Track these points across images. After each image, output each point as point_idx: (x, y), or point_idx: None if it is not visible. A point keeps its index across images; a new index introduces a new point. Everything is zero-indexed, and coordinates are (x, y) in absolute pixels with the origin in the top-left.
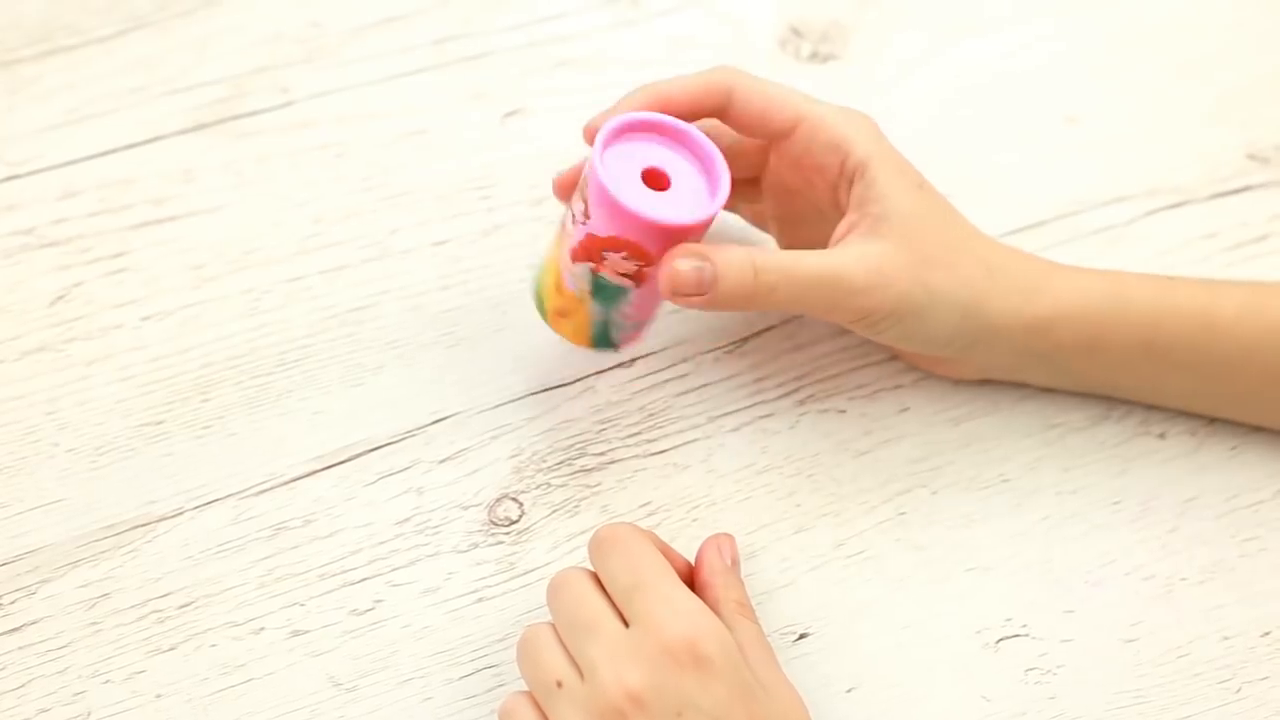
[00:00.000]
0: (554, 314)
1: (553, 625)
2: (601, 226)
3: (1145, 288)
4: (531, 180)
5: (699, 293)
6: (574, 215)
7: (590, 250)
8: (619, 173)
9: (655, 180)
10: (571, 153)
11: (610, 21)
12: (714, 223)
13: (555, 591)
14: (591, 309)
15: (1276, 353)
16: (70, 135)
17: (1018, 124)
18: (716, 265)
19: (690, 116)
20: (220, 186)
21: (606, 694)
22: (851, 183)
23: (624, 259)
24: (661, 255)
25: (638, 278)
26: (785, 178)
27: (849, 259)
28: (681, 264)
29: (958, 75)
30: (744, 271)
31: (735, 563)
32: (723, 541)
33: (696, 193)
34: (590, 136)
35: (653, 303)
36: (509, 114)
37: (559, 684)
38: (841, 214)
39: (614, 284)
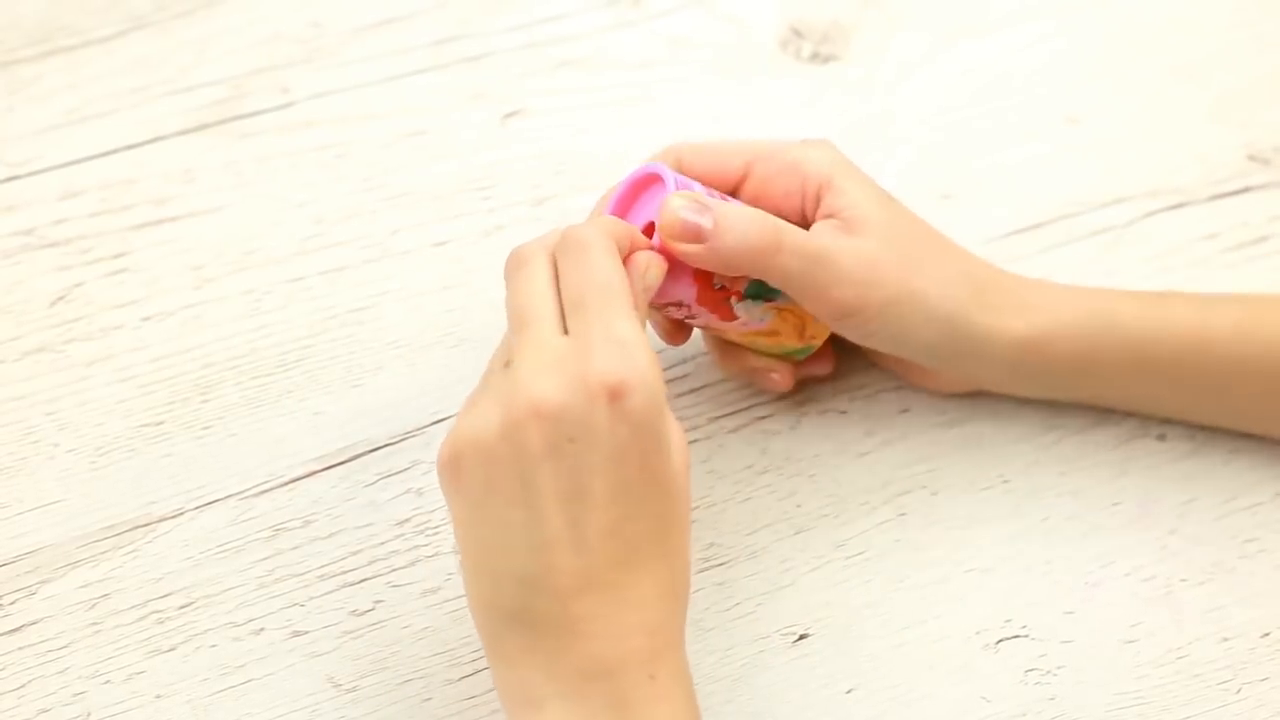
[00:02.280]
0: (792, 343)
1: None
2: (683, 286)
3: (1136, 305)
4: (532, 180)
5: (696, 237)
6: (686, 311)
7: (713, 297)
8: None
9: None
10: (572, 153)
11: (610, 22)
12: None
13: (511, 269)
14: (783, 304)
15: (1271, 370)
16: (70, 136)
17: (1018, 124)
18: (716, 214)
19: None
20: (220, 187)
21: (517, 394)
22: (818, 199)
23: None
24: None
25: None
26: (776, 196)
27: (846, 247)
28: (677, 202)
29: (958, 76)
30: (752, 221)
31: (650, 290)
32: (644, 262)
33: None
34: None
35: None
36: (509, 114)
37: (506, 364)
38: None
39: (755, 290)
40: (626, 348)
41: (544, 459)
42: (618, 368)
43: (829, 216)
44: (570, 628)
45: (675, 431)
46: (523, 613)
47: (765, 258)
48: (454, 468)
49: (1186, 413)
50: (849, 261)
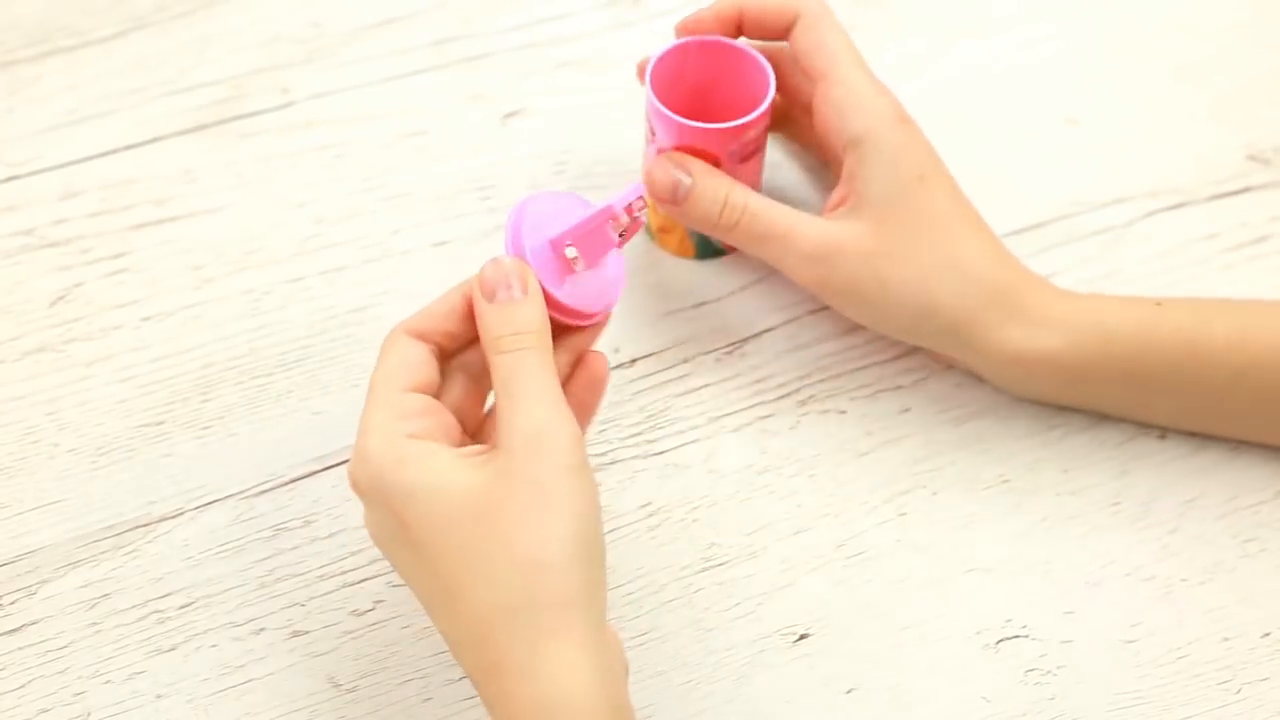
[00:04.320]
0: (658, 232)
1: None
2: (666, 141)
3: (1130, 319)
4: (532, 180)
5: (671, 201)
6: (647, 138)
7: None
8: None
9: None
10: (572, 153)
11: (610, 22)
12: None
13: None
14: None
15: (1267, 379)
16: (70, 136)
17: (1018, 125)
18: (696, 184)
19: (754, 33)
20: (220, 187)
21: None
22: (847, 152)
23: None
24: (726, 157)
25: None
26: (819, 125)
27: (810, 227)
28: (659, 170)
29: (957, 77)
30: (715, 199)
31: (516, 283)
32: (488, 271)
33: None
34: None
35: None
36: (509, 114)
37: None
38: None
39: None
40: (359, 440)
41: (391, 562)
42: (351, 466)
43: (849, 177)
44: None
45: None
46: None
47: (724, 230)
48: None
49: (1182, 421)
50: (811, 241)
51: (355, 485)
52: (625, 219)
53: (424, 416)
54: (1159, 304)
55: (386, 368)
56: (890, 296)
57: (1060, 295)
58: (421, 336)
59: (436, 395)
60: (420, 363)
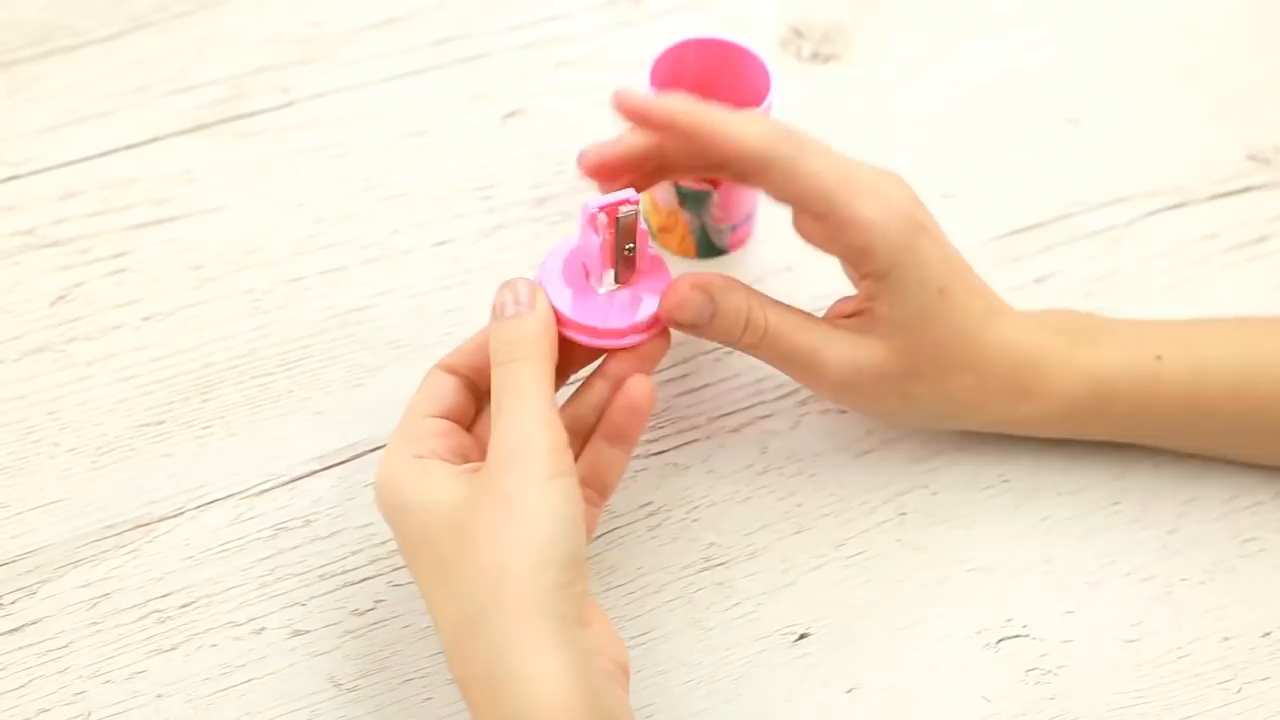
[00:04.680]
0: (659, 232)
1: None
2: None
3: (1129, 382)
4: (532, 180)
5: (694, 328)
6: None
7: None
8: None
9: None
10: (572, 153)
11: (610, 22)
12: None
13: None
14: (686, 218)
15: (1268, 424)
16: (70, 135)
17: (1018, 125)
18: (718, 308)
19: (721, 169)
20: (221, 187)
21: None
22: (866, 273)
23: None
24: None
25: (715, 180)
26: (836, 254)
27: (835, 353)
28: (679, 299)
29: (959, 77)
30: (735, 323)
31: (525, 299)
32: (500, 292)
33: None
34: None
35: (739, 202)
36: (509, 114)
37: None
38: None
39: (695, 190)
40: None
41: None
42: (374, 491)
43: (869, 296)
44: None
45: (496, 487)
46: None
47: (746, 350)
48: None
49: (1181, 448)
50: (835, 371)
51: (377, 507)
52: (604, 218)
53: (434, 438)
54: (1159, 357)
55: (414, 399)
56: (914, 408)
57: (1061, 361)
58: (452, 370)
59: (470, 424)
60: (446, 392)
